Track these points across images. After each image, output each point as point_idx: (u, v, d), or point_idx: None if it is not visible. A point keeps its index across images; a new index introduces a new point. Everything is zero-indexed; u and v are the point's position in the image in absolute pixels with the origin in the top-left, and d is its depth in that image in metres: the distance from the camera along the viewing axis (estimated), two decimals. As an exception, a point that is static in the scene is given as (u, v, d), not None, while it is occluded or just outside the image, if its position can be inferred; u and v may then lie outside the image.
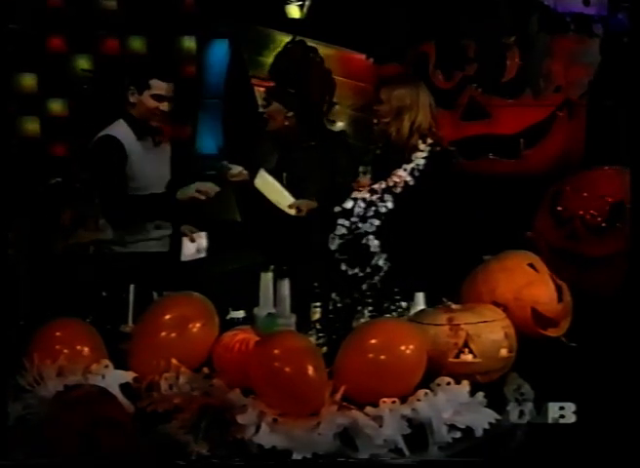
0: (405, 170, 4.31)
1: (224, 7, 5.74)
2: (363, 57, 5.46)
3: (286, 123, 4.49)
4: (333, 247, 4.33)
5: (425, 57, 5.09)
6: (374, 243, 4.27)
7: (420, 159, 4.31)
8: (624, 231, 4.41)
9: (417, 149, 4.31)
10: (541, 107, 5.04)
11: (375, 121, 4.39)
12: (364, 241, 4.27)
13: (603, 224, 4.57)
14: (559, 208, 4.70)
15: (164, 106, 4.46)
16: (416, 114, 4.30)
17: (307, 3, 5.71)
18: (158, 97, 4.45)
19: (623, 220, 4.49)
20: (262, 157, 4.60)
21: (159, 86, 4.44)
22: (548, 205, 4.76)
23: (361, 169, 4.42)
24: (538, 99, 5.02)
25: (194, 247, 4.53)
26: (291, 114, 4.49)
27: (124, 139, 4.45)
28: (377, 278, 4.21)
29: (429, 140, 4.32)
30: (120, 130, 4.49)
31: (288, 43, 5.07)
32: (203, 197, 4.39)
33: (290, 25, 5.72)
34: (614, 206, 4.57)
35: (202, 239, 4.54)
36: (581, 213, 4.63)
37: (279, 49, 5.15)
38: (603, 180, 4.71)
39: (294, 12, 5.77)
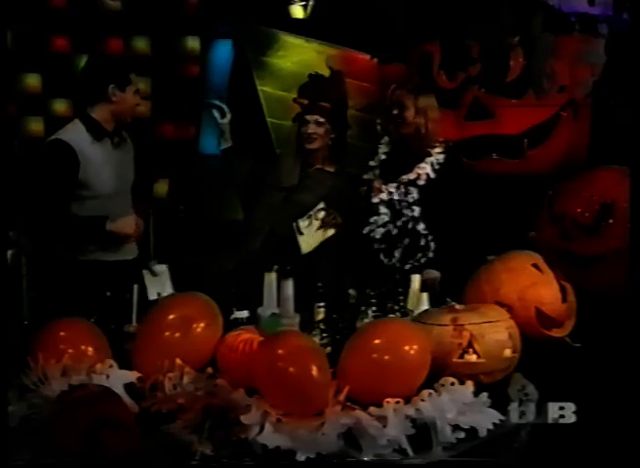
0: (420, 167, 4.37)
1: (228, 7, 5.73)
2: (367, 57, 5.45)
3: (329, 143, 4.63)
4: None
5: (429, 56, 5.08)
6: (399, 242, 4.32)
7: (433, 157, 4.37)
8: (615, 230, 4.43)
9: (431, 147, 4.42)
10: (545, 107, 5.02)
11: (377, 121, 4.44)
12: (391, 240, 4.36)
13: (592, 223, 4.59)
14: (554, 207, 4.74)
15: (143, 102, 4.46)
16: (433, 114, 4.44)
17: (311, 3, 5.71)
18: (139, 93, 4.40)
19: (614, 219, 4.51)
20: (284, 173, 4.65)
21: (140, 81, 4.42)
22: (546, 205, 4.79)
23: (369, 174, 4.49)
24: (542, 100, 5.01)
25: (156, 282, 4.24)
26: (334, 135, 4.63)
27: (78, 144, 4.27)
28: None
29: (440, 138, 4.40)
30: (74, 133, 4.33)
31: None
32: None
33: (294, 26, 5.72)
34: (604, 205, 4.58)
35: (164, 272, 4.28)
36: (572, 211, 4.66)
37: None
38: (595, 180, 4.74)
39: (297, 12, 5.77)
